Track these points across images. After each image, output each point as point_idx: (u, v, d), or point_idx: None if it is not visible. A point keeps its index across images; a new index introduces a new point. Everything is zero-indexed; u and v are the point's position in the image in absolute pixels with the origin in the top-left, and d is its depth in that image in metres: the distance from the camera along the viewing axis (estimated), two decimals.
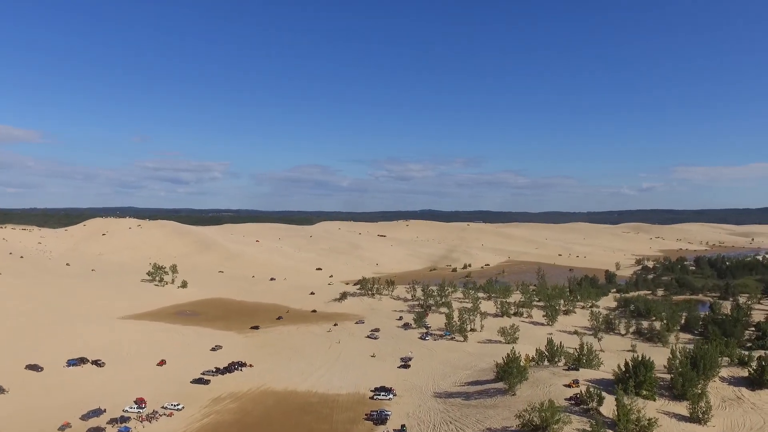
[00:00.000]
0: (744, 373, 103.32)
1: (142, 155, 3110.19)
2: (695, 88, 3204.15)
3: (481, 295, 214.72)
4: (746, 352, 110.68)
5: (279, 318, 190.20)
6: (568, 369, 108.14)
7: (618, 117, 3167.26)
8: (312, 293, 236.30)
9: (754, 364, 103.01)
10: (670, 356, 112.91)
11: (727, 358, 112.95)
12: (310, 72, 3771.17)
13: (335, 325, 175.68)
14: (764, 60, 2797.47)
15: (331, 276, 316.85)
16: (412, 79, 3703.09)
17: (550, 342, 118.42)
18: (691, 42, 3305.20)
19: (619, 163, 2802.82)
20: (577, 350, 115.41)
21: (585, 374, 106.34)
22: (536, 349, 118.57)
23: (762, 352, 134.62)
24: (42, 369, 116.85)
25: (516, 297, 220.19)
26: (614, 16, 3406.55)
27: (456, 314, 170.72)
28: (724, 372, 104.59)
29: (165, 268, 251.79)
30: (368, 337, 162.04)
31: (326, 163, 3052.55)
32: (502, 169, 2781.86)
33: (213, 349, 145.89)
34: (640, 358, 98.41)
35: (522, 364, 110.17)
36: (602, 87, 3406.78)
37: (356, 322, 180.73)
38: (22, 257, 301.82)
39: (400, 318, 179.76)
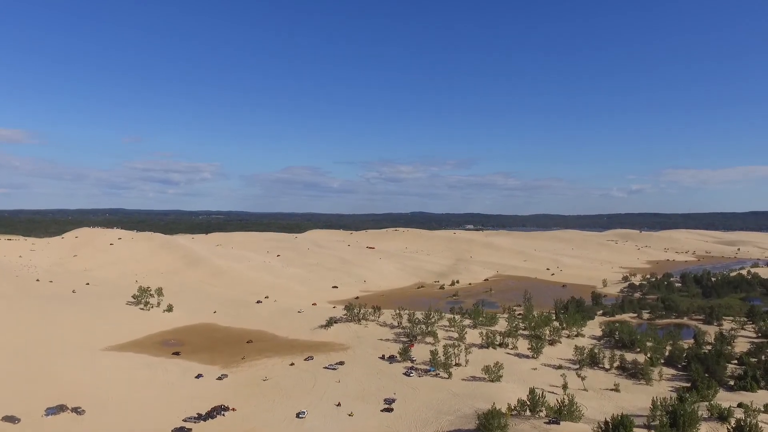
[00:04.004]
0: (723, 429, 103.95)
1: (132, 156, 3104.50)
2: (685, 90, 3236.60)
3: (467, 322, 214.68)
4: (726, 407, 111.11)
5: (264, 344, 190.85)
6: (549, 422, 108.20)
7: (609, 119, 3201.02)
8: (298, 316, 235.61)
9: (733, 420, 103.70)
10: (651, 407, 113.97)
11: (707, 408, 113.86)
12: (301, 73, 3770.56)
13: (304, 360, 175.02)
14: (754, 63, 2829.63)
15: (334, 288, 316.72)
16: (404, 81, 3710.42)
17: (532, 391, 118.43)
18: (681, 45, 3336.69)
19: (609, 164, 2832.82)
20: (559, 401, 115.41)
21: (566, 428, 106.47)
22: (518, 399, 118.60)
23: (743, 397, 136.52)
24: (19, 420, 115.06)
25: (502, 323, 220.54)
26: (605, 19, 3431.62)
27: (441, 348, 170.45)
28: (704, 427, 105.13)
29: (151, 290, 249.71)
30: (327, 368, 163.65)
31: (317, 165, 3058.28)
32: (493, 171, 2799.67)
33: (219, 378, 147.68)
34: (620, 417, 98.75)
35: (504, 412, 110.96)
36: (594, 89, 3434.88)
37: (306, 356, 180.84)
38: (34, 277, 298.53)
39: (383, 356, 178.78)
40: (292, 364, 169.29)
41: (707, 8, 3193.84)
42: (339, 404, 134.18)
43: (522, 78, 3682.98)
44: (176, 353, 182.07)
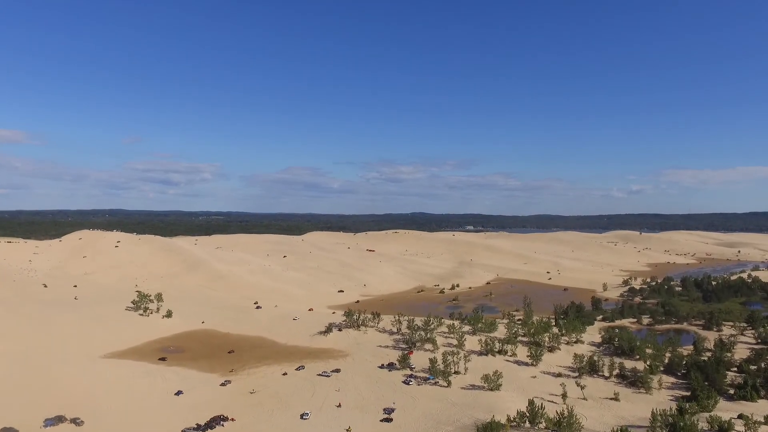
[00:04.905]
0: None
1: (132, 156, 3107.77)
2: (685, 90, 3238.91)
3: (466, 328, 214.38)
4: (726, 419, 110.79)
5: (263, 351, 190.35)
6: None
7: (609, 119, 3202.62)
8: (297, 322, 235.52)
9: None
10: (651, 419, 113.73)
11: (707, 420, 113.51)
12: (301, 73, 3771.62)
13: (304, 368, 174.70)
14: (754, 63, 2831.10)
15: (335, 292, 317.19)
16: (404, 81, 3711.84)
17: (531, 403, 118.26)
18: (681, 45, 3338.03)
19: (610, 165, 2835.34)
20: (558, 413, 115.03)
21: None
22: (517, 411, 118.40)
23: (743, 407, 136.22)
24: None
25: (502, 329, 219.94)
26: (605, 19, 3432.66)
27: (440, 355, 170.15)
28: None
29: (150, 296, 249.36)
30: (326, 376, 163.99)
31: (317, 165, 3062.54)
32: (492, 172, 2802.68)
33: (218, 386, 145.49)
34: (619, 430, 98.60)
35: (503, 423, 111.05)
36: (594, 89, 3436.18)
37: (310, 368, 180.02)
38: (34, 281, 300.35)
39: (382, 364, 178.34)
40: (285, 374, 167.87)
41: (708, 8, 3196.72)
42: (339, 405, 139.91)
43: (522, 78, 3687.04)
44: (175, 361, 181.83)
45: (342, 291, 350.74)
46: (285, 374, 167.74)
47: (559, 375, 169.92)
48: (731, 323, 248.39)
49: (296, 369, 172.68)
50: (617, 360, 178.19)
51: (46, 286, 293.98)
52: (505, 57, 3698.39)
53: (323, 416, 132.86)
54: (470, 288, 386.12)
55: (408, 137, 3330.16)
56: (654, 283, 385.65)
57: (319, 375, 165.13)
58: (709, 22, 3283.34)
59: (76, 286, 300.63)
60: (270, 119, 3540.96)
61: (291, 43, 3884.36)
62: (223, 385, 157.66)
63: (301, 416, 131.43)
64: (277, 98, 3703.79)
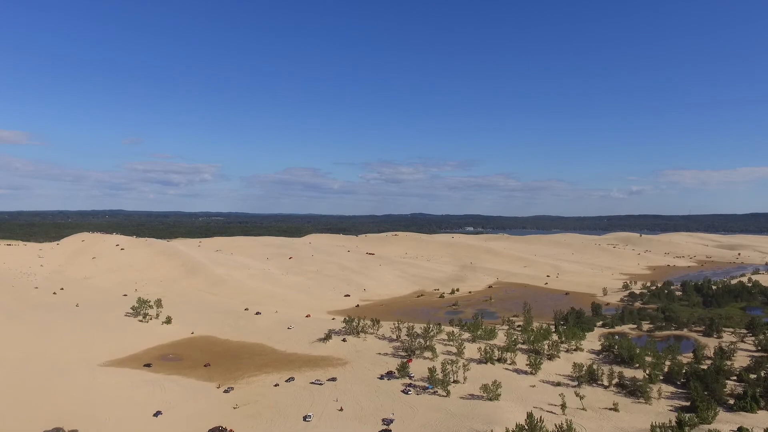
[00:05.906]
0: None
1: (132, 157, 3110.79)
2: (686, 91, 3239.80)
3: (465, 336, 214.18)
4: None
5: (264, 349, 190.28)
6: None
7: (610, 120, 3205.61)
8: (297, 329, 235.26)
9: None
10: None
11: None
12: (301, 74, 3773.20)
13: (303, 376, 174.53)
14: (755, 64, 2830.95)
15: (334, 297, 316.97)
16: (404, 82, 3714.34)
17: (530, 416, 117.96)
18: (682, 46, 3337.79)
19: (610, 165, 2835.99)
20: (557, 426, 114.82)
21: None
22: (516, 423, 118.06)
23: (743, 418, 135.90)
24: None
25: (501, 336, 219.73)
26: (605, 20, 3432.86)
27: (439, 364, 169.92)
28: None
29: (150, 302, 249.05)
30: (324, 385, 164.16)
31: (317, 166, 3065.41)
32: (493, 173, 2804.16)
33: (217, 395, 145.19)
34: None
35: None
36: (594, 90, 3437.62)
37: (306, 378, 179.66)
38: (32, 286, 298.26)
39: (381, 373, 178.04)
40: (282, 383, 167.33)
41: (709, 9, 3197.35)
42: (341, 409, 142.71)
43: (522, 79, 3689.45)
44: (174, 369, 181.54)
45: (348, 295, 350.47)
46: (283, 383, 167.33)
47: (559, 384, 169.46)
48: (731, 330, 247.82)
49: (296, 378, 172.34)
50: (617, 368, 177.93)
51: (55, 294, 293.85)
52: (505, 57, 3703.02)
53: (322, 426, 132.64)
54: (470, 292, 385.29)
55: (408, 138, 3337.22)
56: (654, 288, 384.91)
57: (318, 384, 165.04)
58: (709, 22, 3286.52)
59: (63, 289, 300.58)
60: (270, 119, 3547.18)
61: (291, 43, 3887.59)
62: (226, 392, 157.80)
63: (304, 418, 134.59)
64: (277, 98, 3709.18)
